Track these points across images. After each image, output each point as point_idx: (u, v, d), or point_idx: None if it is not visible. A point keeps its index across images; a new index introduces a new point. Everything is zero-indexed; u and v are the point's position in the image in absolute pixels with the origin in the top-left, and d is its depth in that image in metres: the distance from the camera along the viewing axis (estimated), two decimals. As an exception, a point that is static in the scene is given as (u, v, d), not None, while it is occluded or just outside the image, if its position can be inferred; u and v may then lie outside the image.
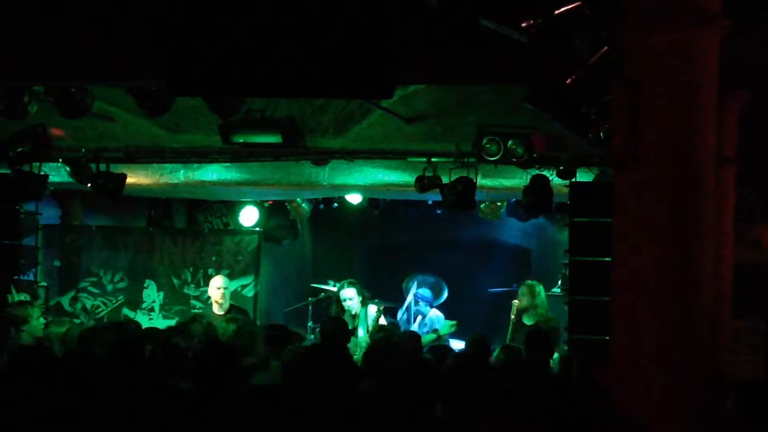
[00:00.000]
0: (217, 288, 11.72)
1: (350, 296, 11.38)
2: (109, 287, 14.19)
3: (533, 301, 11.50)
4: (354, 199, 14.18)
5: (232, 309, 11.63)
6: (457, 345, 11.59)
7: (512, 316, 11.64)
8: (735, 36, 5.84)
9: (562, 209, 12.32)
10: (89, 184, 11.50)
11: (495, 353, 9.05)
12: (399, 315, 14.15)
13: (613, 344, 5.93)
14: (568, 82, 7.26)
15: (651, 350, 5.65)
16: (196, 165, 11.94)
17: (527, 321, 11.42)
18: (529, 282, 11.89)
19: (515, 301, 11.70)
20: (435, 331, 12.19)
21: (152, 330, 9.68)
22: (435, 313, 13.65)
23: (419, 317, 13.71)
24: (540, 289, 11.68)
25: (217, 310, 11.57)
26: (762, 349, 9.93)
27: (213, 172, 12.06)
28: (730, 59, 5.90)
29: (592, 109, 8.06)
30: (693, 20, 5.57)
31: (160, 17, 6.36)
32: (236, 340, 8.56)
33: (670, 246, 5.66)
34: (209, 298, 12.00)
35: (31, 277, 12.28)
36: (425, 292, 14.14)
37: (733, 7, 5.87)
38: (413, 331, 11.61)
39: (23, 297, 11.29)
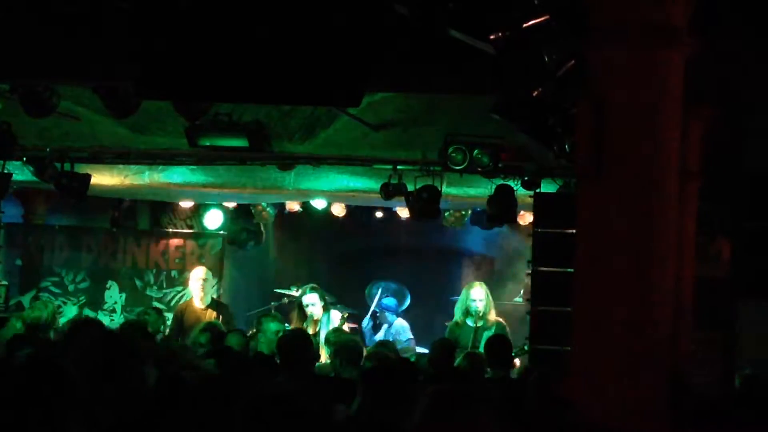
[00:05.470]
0: (196, 280, 11.67)
1: (312, 302, 11.29)
2: (71, 287, 14.13)
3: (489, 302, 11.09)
4: (319, 204, 14.19)
5: (213, 303, 11.60)
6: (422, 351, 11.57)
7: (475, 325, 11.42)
8: (700, 52, 5.91)
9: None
10: (53, 184, 11.45)
11: (458, 360, 9.06)
12: (364, 323, 14.09)
13: (573, 355, 5.98)
14: (534, 94, 7.33)
15: (611, 361, 5.70)
16: (161, 167, 11.91)
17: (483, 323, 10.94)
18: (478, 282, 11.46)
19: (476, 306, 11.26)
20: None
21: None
22: (400, 323, 13.54)
23: (384, 326, 13.66)
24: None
25: (198, 303, 11.51)
26: (720, 361, 10.03)
27: (178, 174, 12.04)
28: (694, 75, 5.96)
29: (558, 122, 8.12)
30: (657, 37, 5.63)
31: (131, 19, 6.35)
32: None
33: (631, 259, 5.71)
34: (173, 298, 12.01)
35: (-8, 276, 12.24)
36: (389, 301, 14.07)
37: (698, 23, 5.94)
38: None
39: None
